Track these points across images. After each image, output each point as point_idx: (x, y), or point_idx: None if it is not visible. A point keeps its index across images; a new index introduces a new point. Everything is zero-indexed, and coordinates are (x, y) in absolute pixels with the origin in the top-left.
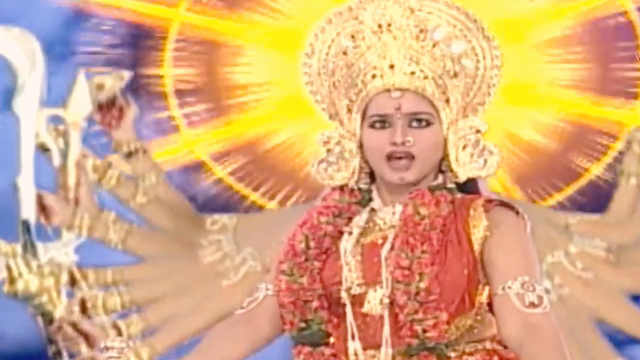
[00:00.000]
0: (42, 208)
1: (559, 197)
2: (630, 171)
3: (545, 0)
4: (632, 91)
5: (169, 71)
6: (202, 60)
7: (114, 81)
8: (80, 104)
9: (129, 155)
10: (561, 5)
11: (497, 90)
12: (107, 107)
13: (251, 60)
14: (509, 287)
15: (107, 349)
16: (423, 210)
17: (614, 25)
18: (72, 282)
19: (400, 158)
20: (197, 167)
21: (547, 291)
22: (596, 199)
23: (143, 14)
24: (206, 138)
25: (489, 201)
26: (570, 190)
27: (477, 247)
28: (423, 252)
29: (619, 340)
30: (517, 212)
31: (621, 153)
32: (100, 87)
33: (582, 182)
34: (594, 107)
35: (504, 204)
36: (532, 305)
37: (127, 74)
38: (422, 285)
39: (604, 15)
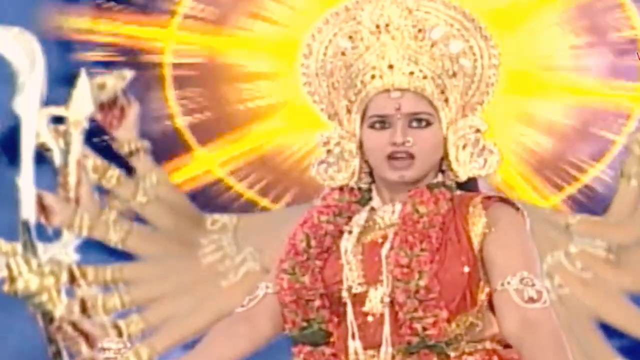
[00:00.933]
0: (42, 208)
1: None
2: (630, 173)
3: None
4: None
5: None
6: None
7: (116, 81)
8: (81, 103)
9: (130, 154)
10: None
11: (496, 89)
12: (108, 107)
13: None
14: (508, 283)
15: (104, 349)
16: (422, 209)
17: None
18: (72, 279)
19: (400, 158)
20: (215, 185)
21: (547, 291)
22: (597, 200)
23: (136, 37)
24: (219, 155)
25: (488, 198)
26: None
27: (476, 244)
28: (422, 250)
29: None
30: (517, 209)
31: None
32: (101, 86)
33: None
34: (601, 92)
35: (503, 200)
36: (532, 300)
37: (128, 74)
38: (422, 283)
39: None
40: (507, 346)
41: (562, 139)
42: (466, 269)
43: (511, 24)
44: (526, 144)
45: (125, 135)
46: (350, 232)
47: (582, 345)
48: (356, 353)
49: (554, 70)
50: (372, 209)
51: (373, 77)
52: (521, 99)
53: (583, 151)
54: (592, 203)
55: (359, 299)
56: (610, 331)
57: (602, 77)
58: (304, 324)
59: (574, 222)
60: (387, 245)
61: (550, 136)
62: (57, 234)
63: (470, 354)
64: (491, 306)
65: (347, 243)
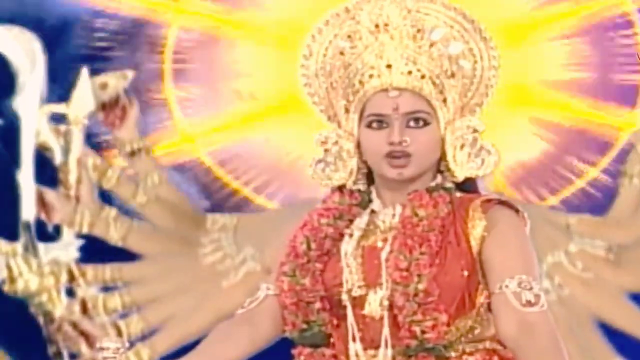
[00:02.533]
0: (43, 205)
1: (554, 199)
2: (633, 172)
3: (546, 2)
4: (630, 98)
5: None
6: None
7: (117, 80)
8: (82, 101)
9: (132, 154)
10: (563, 7)
11: (495, 90)
12: (110, 107)
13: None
14: (506, 286)
15: (102, 349)
16: (421, 212)
17: (614, 28)
18: (71, 278)
19: (398, 157)
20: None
21: (547, 291)
22: (592, 202)
23: (142, 8)
24: (204, 134)
25: (488, 200)
26: (567, 192)
27: (475, 247)
28: (421, 253)
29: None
30: (517, 211)
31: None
32: (103, 86)
33: (577, 185)
34: (591, 112)
35: (503, 203)
36: (529, 304)
37: (130, 73)
38: (421, 286)
39: (605, 18)
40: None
41: (560, 143)
42: (465, 273)
43: (512, 39)
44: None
45: (127, 134)
46: (351, 235)
47: (582, 345)
48: (357, 355)
49: (551, 86)
50: (373, 212)
51: (371, 76)
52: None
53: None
54: (590, 206)
55: (358, 302)
56: (610, 331)
57: (596, 94)
58: (304, 325)
59: (574, 222)
60: (386, 249)
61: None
62: (58, 232)
63: (470, 353)
64: (490, 308)
65: (347, 246)
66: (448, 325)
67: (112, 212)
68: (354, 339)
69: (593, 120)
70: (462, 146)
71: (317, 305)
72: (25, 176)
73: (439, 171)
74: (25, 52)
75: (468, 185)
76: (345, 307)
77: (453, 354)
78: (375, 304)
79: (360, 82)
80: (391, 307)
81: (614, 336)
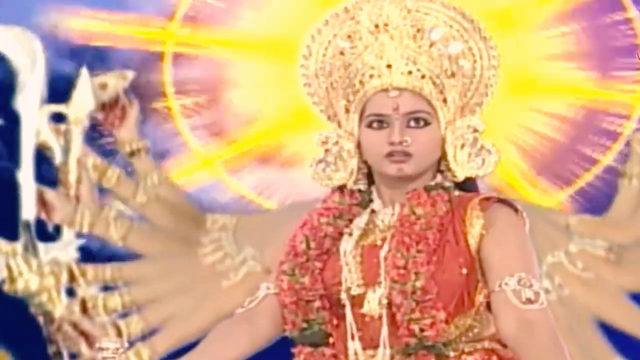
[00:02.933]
0: (43, 204)
1: (569, 190)
2: (632, 173)
3: None
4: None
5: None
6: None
7: (117, 81)
8: (82, 101)
9: (131, 154)
10: None
11: (495, 90)
12: (110, 107)
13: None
14: (506, 284)
15: (101, 349)
16: (419, 210)
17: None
18: (71, 278)
19: (398, 157)
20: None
21: (547, 291)
22: (596, 200)
23: (136, 38)
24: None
25: (487, 199)
26: (582, 182)
27: (474, 246)
28: (419, 251)
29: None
30: (516, 210)
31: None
32: (103, 86)
33: (595, 170)
34: (600, 90)
35: (501, 201)
36: (529, 301)
37: (130, 74)
38: (418, 284)
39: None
40: (506, 345)
41: (564, 138)
42: (464, 271)
43: (510, 24)
44: (527, 143)
45: (127, 135)
46: (350, 234)
47: (582, 345)
48: (356, 354)
49: (553, 70)
50: (373, 211)
51: (371, 76)
52: (521, 98)
53: (584, 150)
54: (591, 204)
55: (357, 301)
56: (610, 331)
57: (601, 76)
58: (304, 324)
59: (574, 222)
60: (385, 247)
61: (552, 135)
62: (58, 233)
63: (469, 353)
64: (489, 307)
65: (346, 245)
66: (447, 323)
67: (112, 212)
68: (352, 338)
69: (603, 98)
70: (462, 146)
71: (317, 304)
72: (26, 176)
73: (439, 171)
74: (26, 52)
75: (469, 185)
76: (344, 306)
77: (452, 353)
78: (374, 302)
79: (361, 82)
80: (390, 306)
81: (614, 336)
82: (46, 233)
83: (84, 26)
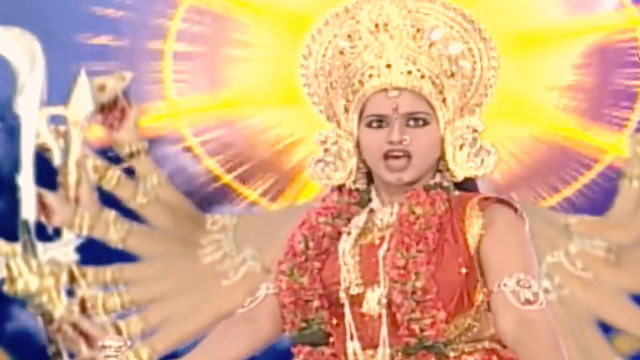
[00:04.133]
0: (43, 207)
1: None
2: (632, 174)
3: (556, 18)
4: (620, 122)
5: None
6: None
7: (116, 82)
8: (81, 103)
9: (131, 156)
10: (570, 26)
11: (494, 91)
12: (109, 108)
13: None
14: (505, 284)
15: (104, 347)
16: (418, 210)
17: (621, 52)
18: (72, 280)
19: (397, 157)
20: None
21: (547, 291)
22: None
23: None
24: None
25: (486, 199)
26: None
27: (473, 245)
28: (419, 251)
29: None
30: (515, 210)
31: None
32: (101, 88)
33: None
34: (580, 132)
35: (501, 201)
36: (528, 302)
37: (128, 75)
38: (419, 284)
39: (612, 42)
40: (506, 346)
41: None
42: (463, 270)
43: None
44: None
45: (126, 136)
46: (348, 234)
47: (582, 345)
48: (355, 354)
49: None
50: (372, 210)
51: (371, 76)
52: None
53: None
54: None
55: (356, 300)
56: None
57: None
58: (303, 324)
59: (574, 222)
60: (384, 247)
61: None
62: (58, 234)
63: (469, 353)
64: (489, 307)
65: (345, 244)
66: (447, 322)
67: (111, 213)
68: (351, 338)
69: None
70: (461, 146)
71: (316, 303)
72: (25, 177)
73: (439, 171)
74: (25, 53)
75: (468, 185)
76: (343, 306)
77: (452, 353)
78: (373, 302)
79: (360, 81)
80: (389, 305)
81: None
82: (46, 234)
83: None
